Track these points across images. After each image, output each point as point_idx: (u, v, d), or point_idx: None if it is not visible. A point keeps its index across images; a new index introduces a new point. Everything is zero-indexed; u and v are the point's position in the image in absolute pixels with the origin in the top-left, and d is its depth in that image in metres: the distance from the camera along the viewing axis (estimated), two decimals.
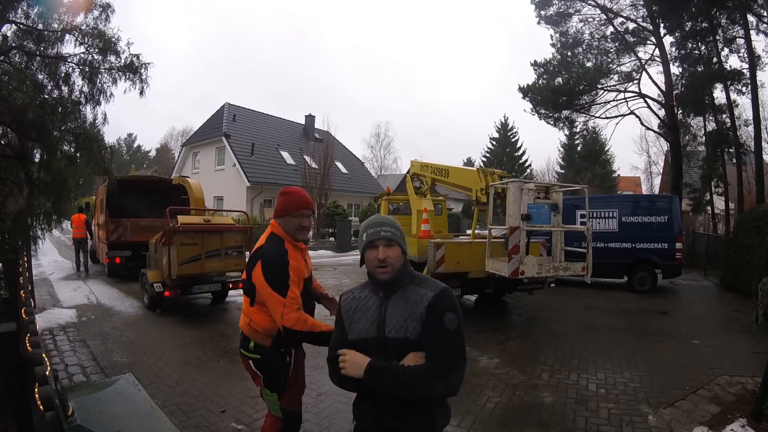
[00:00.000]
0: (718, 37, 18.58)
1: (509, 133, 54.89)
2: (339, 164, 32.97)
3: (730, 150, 18.37)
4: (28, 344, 2.36)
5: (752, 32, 17.60)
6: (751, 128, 17.92)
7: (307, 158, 27.21)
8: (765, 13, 16.62)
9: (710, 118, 19.33)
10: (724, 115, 18.63)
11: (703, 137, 19.79)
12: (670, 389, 5.11)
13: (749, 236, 10.62)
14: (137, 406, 1.76)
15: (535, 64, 22.52)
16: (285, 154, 30.37)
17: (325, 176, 25.43)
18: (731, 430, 3.97)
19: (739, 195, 17.79)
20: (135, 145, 76.99)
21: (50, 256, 15.50)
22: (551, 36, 22.54)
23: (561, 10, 21.86)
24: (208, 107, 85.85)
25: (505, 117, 58.02)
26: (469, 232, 9.51)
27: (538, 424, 4.31)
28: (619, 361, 6.20)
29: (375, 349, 1.75)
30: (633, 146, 68.61)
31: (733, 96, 18.54)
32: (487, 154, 55.48)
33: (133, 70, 6.66)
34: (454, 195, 24.62)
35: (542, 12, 22.11)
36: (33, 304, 4.32)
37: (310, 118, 35.52)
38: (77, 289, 10.46)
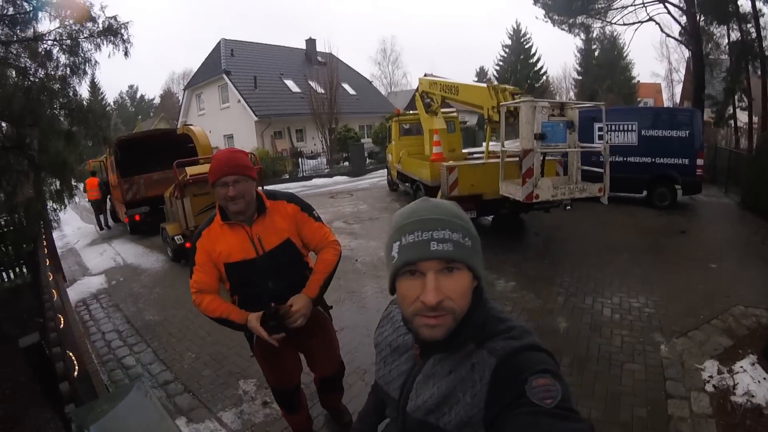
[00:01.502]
0: None
1: (522, 40, 51.80)
2: (346, 86, 32.00)
3: (755, 62, 17.14)
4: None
5: None
6: None
7: (312, 84, 26.42)
8: None
9: (734, 26, 17.81)
10: (749, 25, 17.19)
11: (727, 47, 18.43)
12: (685, 317, 5.01)
13: None
14: (148, 416, 1.78)
15: None
16: (289, 83, 29.53)
17: (333, 100, 24.61)
18: (741, 367, 3.89)
19: (764, 109, 16.76)
20: (138, 95, 75.59)
21: (73, 224, 15.62)
22: None
23: None
24: (204, 47, 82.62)
25: (517, 23, 54.28)
26: (485, 145, 9.25)
27: (552, 351, 4.29)
28: (635, 284, 6.08)
29: (393, 417, 1.24)
30: (653, 52, 64.52)
31: (759, 5, 16.93)
32: (501, 62, 53.03)
33: (113, 32, 6.31)
34: (468, 109, 23.87)
35: None
36: (56, 290, 4.33)
37: (311, 42, 34.09)
38: (103, 253, 10.53)
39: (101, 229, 13.72)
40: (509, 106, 7.09)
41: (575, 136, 7.01)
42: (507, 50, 52.72)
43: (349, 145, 23.09)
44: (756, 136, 17.00)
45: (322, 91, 25.23)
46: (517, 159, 6.64)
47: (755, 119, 18.34)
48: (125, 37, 6.35)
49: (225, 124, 27.68)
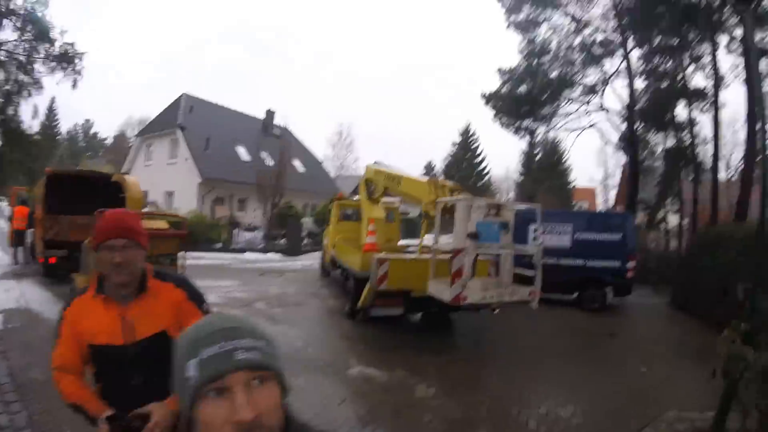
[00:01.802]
0: (685, 55, 18.70)
1: (470, 139, 55.52)
2: (297, 162, 32.13)
3: (688, 168, 18.70)
4: None
5: (720, 52, 17.88)
6: (709, 147, 18.24)
7: (264, 155, 26.35)
8: (736, 33, 16.92)
9: (670, 134, 19.55)
10: (683, 132, 18.89)
11: (662, 153, 20.07)
12: (615, 427, 4.82)
13: (702, 257, 10.62)
14: None
15: (500, 71, 22.36)
16: (241, 150, 29.38)
17: (281, 175, 24.47)
18: None
19: (694, 213, 18.02)
20: (92, 131, 74.06)
21: None
22: (519, 43, 22.36)
23: (531, 17, 21.62)
24: (168, 96, 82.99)
25: (467, 123, 58.60)
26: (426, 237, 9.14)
27: None
28: (564, 390, 5.88)
29: None
30: (591, 158, 70.22)
31: (695, 114, 18.75)
32: (449, 158, 55.95)
33: (68, 59, 5.98)
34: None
35: (512, 17, 21.79)
36: None
37: (270, 113, 34.45)
38: (9, 291, 9.77)
39: (16, 263, 12.92)
40: (446, 202, 7.05)
41: (509, 237, 7.00)
42: (456, 148, 55.87)
43: (288, 222, 22.64)
44: (686, 238, 18.05)
45: (272, 164, 25.10)
46: (449, 257, 6.50)
47: (685, 222, 19.53)
48: (77, 67, 5.98)
49: (169, 180, 26.88)
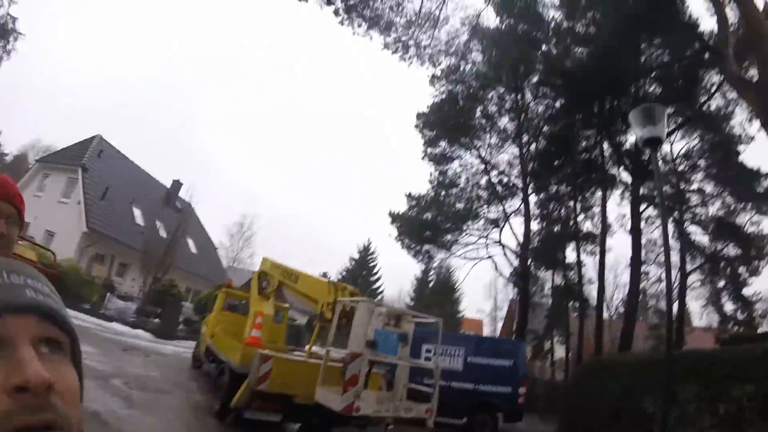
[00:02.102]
0: (577, 204, 21.06)
1: (369, 257, 54.67)
2: (190, 241, 30.25)
3: (575, 303, 20.15)
4: None
5: (609, 203, 20.61)
6: (594, 286, 20.03)
7: (159, 224, 24.55)
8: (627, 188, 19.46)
9: (559, 272, 21.23)
10: (571, 272, 20.60)
11: (551, 289, 21.63)
12: None
13: (589, 384, 10.79)
14: None
15: (409, 196, 23.66)
16: (137, 212, 27.32)
17: (171, 249, 22.62)
18: None
19: (579, 344, 19.17)
20: None
21: None
22: (431, 173, 24.21)
23: (446, 153, 23.65)
24: (84, 131, 74.15)
25: (368, 240, 56.77)
26: (308, 346, 8.36)
27: None
28: None
29: None
30: (481, 290, 73.11)
31: (583, 256, 20.88)
32: (345, 272, 53.43)
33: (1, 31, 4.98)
34: (301, 307, 23.34)
35: (429, 149, 23.76)
36: None
37: (176, 184, 32.81)
38: None
39: None
40: (345, 304, 6.56)
41: (407, 351, 6.57)
42: (353, 263, 54.61)
43: (166, 302, 20.57)
44: (571, 368, 18.93)
45: (165, 236, 23.29)
46: (341, 365, 5.85)
47: (571, 353, 20.62)
48: (8, 47, 4.90)
49: (54, 220, 23.96)
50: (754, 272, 18.92)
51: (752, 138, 18.10)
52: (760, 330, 17.23)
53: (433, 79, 22.88)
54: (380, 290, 52.94)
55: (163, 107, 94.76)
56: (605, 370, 10.46)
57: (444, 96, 23.09)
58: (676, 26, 14.35)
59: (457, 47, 16.84)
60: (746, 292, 18.81)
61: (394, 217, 23.09)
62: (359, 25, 14.73)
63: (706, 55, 14.43)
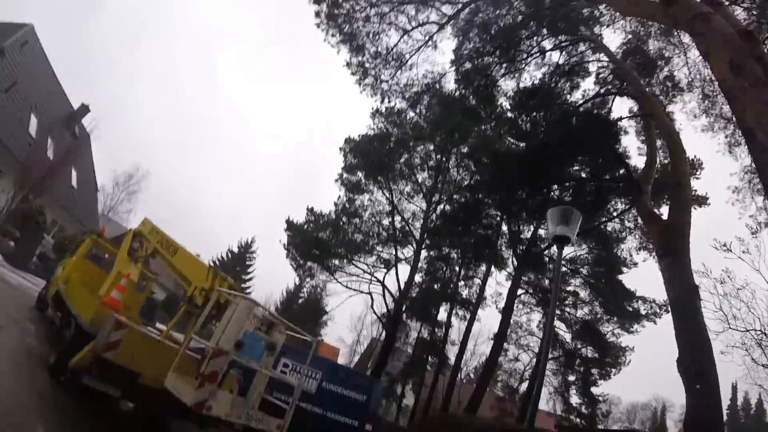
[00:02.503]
0: (461, 271, 22.59)
1: (248, 254, 52.98)
2: (74, 173, 27.40)
3: (434, 359, 21.36)
4: None
5: (490, 279, 22.32)
6: (456, 348, 21.72)
7: (50, 143, 22.18)
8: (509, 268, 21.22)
9: (428, 327, 22.45)
10: (439, 330, 21.91)
11: (416, 340, 22.79)
12: None
13: None
14: None
15: (310, 211, 24.07)
16: (34, 121, 23.72)
17: (53, 172, 20.55)
18: None
19: (429, 398, 20.40)
20: None
21: None
22: (340, 196, 24.68)
23: (361, 184, 24.32)
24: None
25: (252, 239, 54.72)
26: (160, 326, 7.88)
27: None
28: None
29: None
30: (349, 320, 72.65)
31: (453, 318, 22.52)
32: (217, 261, 50.75)
33: None
34: (166, 283, 22.17)
35: (346, 175, 24.41)
36: None
37: (83, 108, 29.25)
38: None
39: None
40: (223, 296, 6.32)
41: (271, 360, 6.47)
42: (229, 255, 52.63)
43: (28, 228, 18.48)
44: (417, 416, 20.20)
45: (51, 157, 21.07)
46: (200, 357, 5.63)
47: (419, 404, 21.84)
48: None
49: None
50: (605, 376, 21.21)
51: (636, 264, 20.77)
52: (599, 426, 19.38)
53: (376, 113, 23.77)
54: (249, 291, 50.86)
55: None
56: (452, 427, 10.90)
57: (378, 132, 23.99)
58: (607, 154, 16.00)
59: (411, 95, 17.57)
60: (594, 390, 21.05)
61: (290, 226, 23.23)
62: (333, 35, 14.88)
63: (621, 185, 16.24)
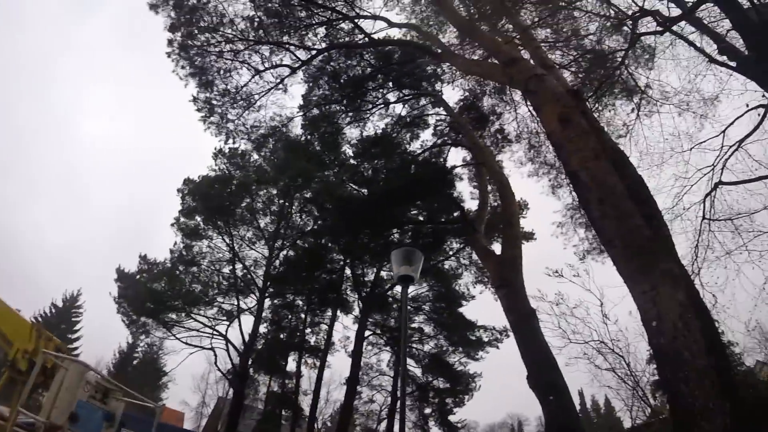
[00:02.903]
0: (309, 317, 22.71)
1: (74, 309, 46.20)
2: None
3: (288, 412, 20.70)
4: None
5: (336, 323, 22.36)
6: (310, 397, 21.09)
7: None
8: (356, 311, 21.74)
9: (278, 379, 21.72)
10: (290, 381, 21.37)
11: (266, 394, 21.94)
12: None
13: None
14: None
15: (143, 259, 22.68)
16: None
17: None
18: None
19: None
20: None
21: None
22: (176, 242, 23.21)
23: (199, 229, 23.09)
24: None
25: (79, 291, 47.33)
26: None
27: None
28: None
29: None
30: (192, 381, 65.83)
31: (303, 368, 22.06)
32: (39, 318, 42.01)
33: None
34: None
35: (183, 219, 23.02)
36: None
37: None
38: None
39: None
40: (50, 359, 5.53)
41: None
42: (54, 310, 45.37)
43: None
44: None
45: None
46: None
47: None
48: None
49: None
50: (459, 404, 22.62)
51: (473, 297, 22.52)
52: None
53: (219, 153, 23.01)
54: (78, 354, 43.22)
55: None
56: None
57: (220, 174, 23.21)
58: (444, 198, 17.36)
59: (257, 137, 17.43)
60: (452, 418, 22.34)
61: (121, 276, 21.35)
62: (183, 68, 14.11)
63: (456, 226, 17.66)
